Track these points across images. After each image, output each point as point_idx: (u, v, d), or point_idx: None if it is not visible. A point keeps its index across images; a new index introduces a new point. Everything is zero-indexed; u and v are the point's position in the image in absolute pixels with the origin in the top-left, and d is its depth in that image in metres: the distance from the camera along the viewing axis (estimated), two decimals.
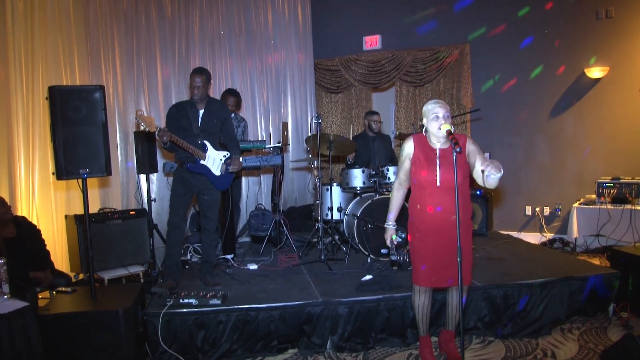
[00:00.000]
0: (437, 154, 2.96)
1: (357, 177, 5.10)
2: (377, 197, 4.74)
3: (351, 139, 5.81)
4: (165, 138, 3.71)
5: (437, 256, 2.98)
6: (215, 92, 6.04)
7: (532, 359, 3.27)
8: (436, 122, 2.90)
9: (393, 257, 3.15)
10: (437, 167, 2.92)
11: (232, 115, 4.95)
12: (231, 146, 4.13)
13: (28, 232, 4.03)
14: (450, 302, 3.19)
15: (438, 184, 2.92)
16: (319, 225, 4.91)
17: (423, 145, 3.00)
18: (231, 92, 5.32)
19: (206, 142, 3.94)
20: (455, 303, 3.17)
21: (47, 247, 4.20)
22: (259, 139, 6.49)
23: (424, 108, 3.01)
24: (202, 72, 3.91)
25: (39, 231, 4.16)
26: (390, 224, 3.15)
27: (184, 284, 4.04)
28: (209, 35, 6.34)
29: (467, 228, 3.01)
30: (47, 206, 4.64)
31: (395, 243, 3.10)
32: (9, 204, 3.95)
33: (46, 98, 3.38)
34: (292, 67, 6.96)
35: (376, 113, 5.79)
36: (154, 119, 3.80)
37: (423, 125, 3.00)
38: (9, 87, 4.37)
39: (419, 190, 3.00)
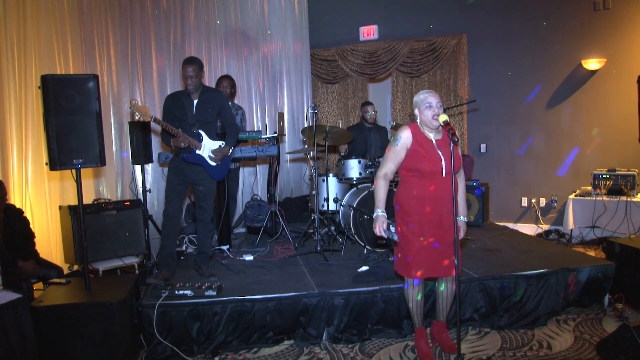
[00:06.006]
0: (435, 144, 2.95)
1: (354, 168, 5.08)
2: (374, 188, 4.71)
3: (347, 129, 5.77)
4: (181, 144, 3.77)
5: (432, 246, 2.97)
6: (211, 83, 5.99)
7: (528, 350, 3.28)
8: (429, 110, 2.90)
9: (396, 237, 2.97)
10: (442, 158, 2.92)
11: (229, 103, 4.90)
12: (229, 133, 4.10)
13: (16, 218, 3.99)
14: (441, 293, 3.19)
15: (444, 174, 2.91)
16: (315, 216, 4.89)
17: (420, 135, 2.98)
18: (225, 76, 5.30)
19: (201, 132, 3.91)
20: (446, 294, 3.17)
21: (38, 239, 4.15)
22: (255, 129, 6.46)
23: (416, 98, 3.01)
24: (193, 61, 3.85)
25: (27, 219, 4.11)
26: (380, 211, 2.95)
27: (179, 275, 4.02)
28: (205, 24, 6.26)
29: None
30: (41, 197, 4.61)
31: (393, 231, 2.94)
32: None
33: (39, 87, 3.32)
34: (288, 57, 6.91)
35: (370, 104, 5.76)
36: (149, 108, 3.76)
37: (416, 116, 2.99)
38: (1, 76, 4.32)
39: (417, 180, 2.97)
